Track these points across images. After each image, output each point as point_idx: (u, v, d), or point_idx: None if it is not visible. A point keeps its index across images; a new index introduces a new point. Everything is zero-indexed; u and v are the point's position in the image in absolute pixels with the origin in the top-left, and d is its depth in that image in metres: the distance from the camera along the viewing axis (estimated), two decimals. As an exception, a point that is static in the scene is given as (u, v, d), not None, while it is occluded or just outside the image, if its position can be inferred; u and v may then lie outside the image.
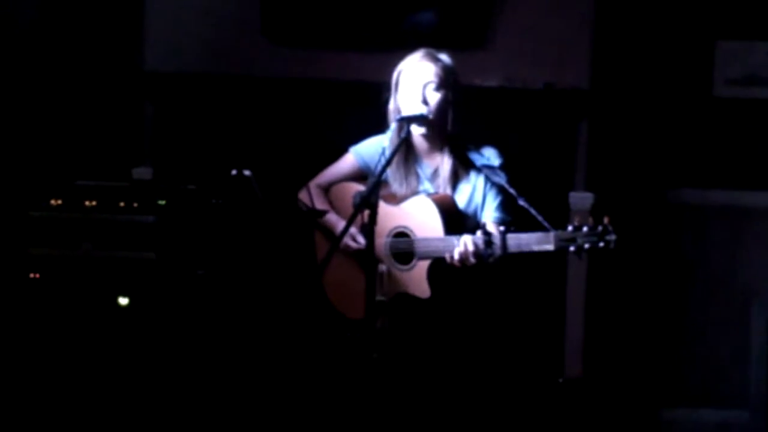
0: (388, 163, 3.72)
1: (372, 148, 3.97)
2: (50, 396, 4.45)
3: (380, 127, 3.98)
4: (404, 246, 3.81)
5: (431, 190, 3.90)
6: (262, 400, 4.54)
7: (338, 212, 3.99)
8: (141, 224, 4.49)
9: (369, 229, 3.75)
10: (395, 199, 3.88)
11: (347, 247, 3.90)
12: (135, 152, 5.25)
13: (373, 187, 3.67)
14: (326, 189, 4.04)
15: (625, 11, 5.19)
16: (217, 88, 5.23)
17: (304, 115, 5.23)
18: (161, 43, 5.23)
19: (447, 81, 3.82)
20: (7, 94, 5.11)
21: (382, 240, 3.85)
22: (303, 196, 4.02)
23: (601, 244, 3.46)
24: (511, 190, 3.72)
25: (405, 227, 3.81)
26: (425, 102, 3.80)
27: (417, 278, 3.75)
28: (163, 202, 4.56)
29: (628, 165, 5.27)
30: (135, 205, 4.55)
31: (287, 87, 5.20)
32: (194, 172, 4.97)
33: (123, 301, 4.47)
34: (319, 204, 4.00)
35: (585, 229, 3.47)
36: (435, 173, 3.89)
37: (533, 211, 3.57)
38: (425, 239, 3.75)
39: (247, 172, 4.57)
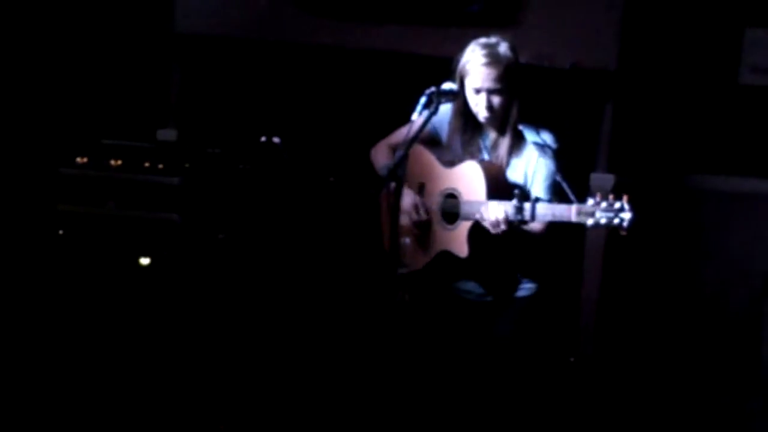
0: (414, 137, 3.75)
1: (442, 115, 3.99)
2: (70, 350, 4.49)
3: (409, 97, 3.99)
4: (451, 207, 3.94)
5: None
6: (280, 364, 4.58)
7: (409, 171, 4.04)
8: (166, 185, 4.51)
9: (395, 202, 3.78)
10: (452, 163, 3.97)
11: (412, 214, 3.96)
12: (160, 113, 5.26)
13: (400, 161, 3.72)
14: (395, 149, 4.08)
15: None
16: (246, 52, 5.23)
17: (332, 82, 5.24)
18: (191, 6, 5.22)
19: (511, 81, 3.87)
20: (38, 53, 5.13)
21: (435, 198, 3.96)
22: (374, 153, 4.07)
23: (616, 221, 3.53)
24: (552, 166, 3.80)
25: (454, 189, 3.93)
26: (490, 108, 3.84)
27: (458, 237, 3.88)
28: (188, 165, 4.58)
29: (651, 149, 5.27)
30: (160, 166, 4.56)
31: (316, 54, 5.20)
32: (218, 135, 4.99)
33: (144, 261, 4.50)
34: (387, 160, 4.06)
35: (604, 204, 3.54)
36: (495, 146, 3.94)
37: (565, 186, 3.67)
38: (469, 202, 3.86)
39: (276, 140, 4.59)
